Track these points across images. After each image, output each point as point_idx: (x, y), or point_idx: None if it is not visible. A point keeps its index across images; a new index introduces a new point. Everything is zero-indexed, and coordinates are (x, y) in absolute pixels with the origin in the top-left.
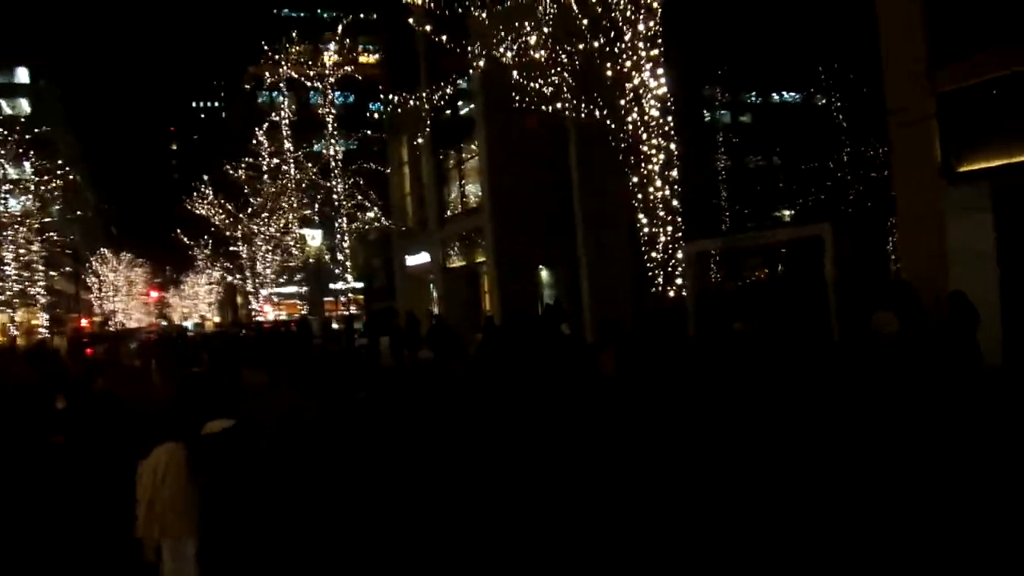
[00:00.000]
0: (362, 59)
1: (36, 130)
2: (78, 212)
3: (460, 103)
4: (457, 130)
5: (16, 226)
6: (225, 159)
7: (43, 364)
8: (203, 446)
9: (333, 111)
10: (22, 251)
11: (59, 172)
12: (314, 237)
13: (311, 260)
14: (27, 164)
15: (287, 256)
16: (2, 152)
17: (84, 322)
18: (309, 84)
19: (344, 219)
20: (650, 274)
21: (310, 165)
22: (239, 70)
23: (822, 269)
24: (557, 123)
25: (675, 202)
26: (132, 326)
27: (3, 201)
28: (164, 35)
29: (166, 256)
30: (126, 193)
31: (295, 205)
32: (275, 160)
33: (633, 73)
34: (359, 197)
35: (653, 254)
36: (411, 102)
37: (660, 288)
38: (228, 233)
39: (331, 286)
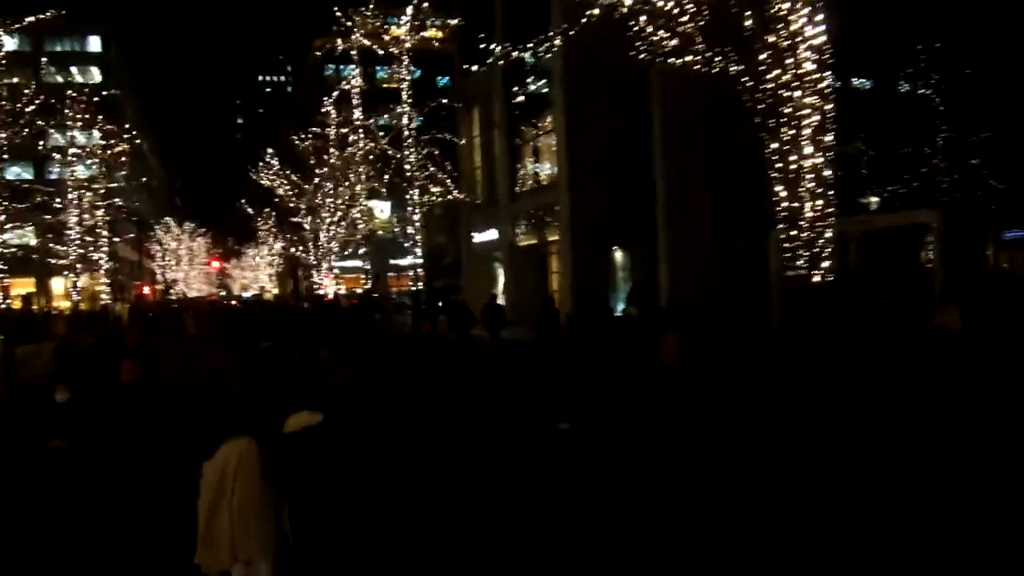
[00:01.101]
0: (430, 33)
1: (104, 92)
2: (143, 179)
3: (537, 75)
4: (533, 102)
5: (82, 191)
6: (292, 130)
7: (103, 330)
8: (284, 445)
9: (408, 77)
10: (86, 216)
11: (125, 136)
12: (382, 210)
13: (379, 233)
14: (96, 131)
15: (352, 229)
16: (76, 116)
17: (146, 290)
18: (381, 52)
19: (416, 191)
20: (788, 255)
21: (382, 135)
22: (305, 44)
23: (915, 257)
24: (638, 94)
25: (827, 172)
26: (193, 295)
27: (71, 167)
28: (231, 9)
29: (228, 227)
30: (191, 165)
31: (363, 177)
32: (344, 130)
33: (786, 18)
34: (432, 168)
35: (793, 232)
36: (486, 71)
37: (803, 272)
38: (292, 204)
39: (391, 261)
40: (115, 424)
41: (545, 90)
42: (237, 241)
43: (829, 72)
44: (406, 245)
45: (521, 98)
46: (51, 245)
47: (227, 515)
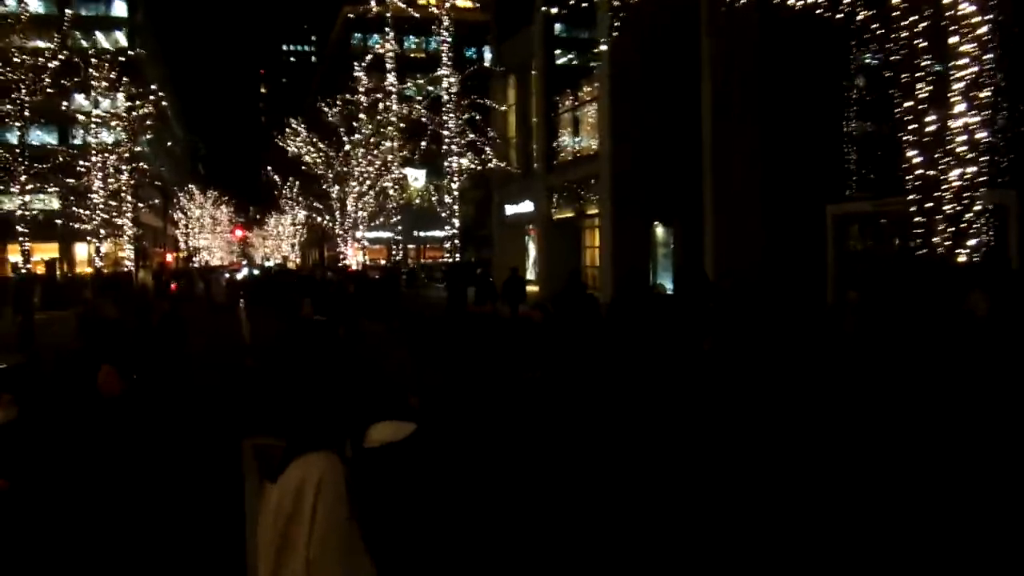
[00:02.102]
0: (460, 2)
1: (131, 52)
2: (168, 143)
3: (579, 41)
4: (574, 69)
5: (105, 154)
6: (319, 98)
7: (126, 299)
8: (364, 463)
9: (448, 38)
10: (111, 180)
11: (151, 97)
12: (417, 178)
13: (415, 202)
14: (120, 95)
15: (383, 198)
16: (101, 78)
17: (169, 257)
18: (417, 15)
19: (454, 159)
20: (921, 231)
21: (420, 98)
22: (331, 14)
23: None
24: (686, 59)
25: (982, 134)
26: (215, 263)
27: (94, 131)
28: None
29: (251, 195)
30: (215, 133)
31: (395, 145)
32: (377, 95)
33: None
34: (471, 136)
35: (930, 204)
36: (524, 37)
37: (944, 250)
38: (319, 171)
39: (419, 232)
40: (90, 455)
41: (588, 57)
42: (259, 210)
43: (990, 15)
44: (443, 215)
45: (565, 60)
46: (74, 209)
47: (303, 557)
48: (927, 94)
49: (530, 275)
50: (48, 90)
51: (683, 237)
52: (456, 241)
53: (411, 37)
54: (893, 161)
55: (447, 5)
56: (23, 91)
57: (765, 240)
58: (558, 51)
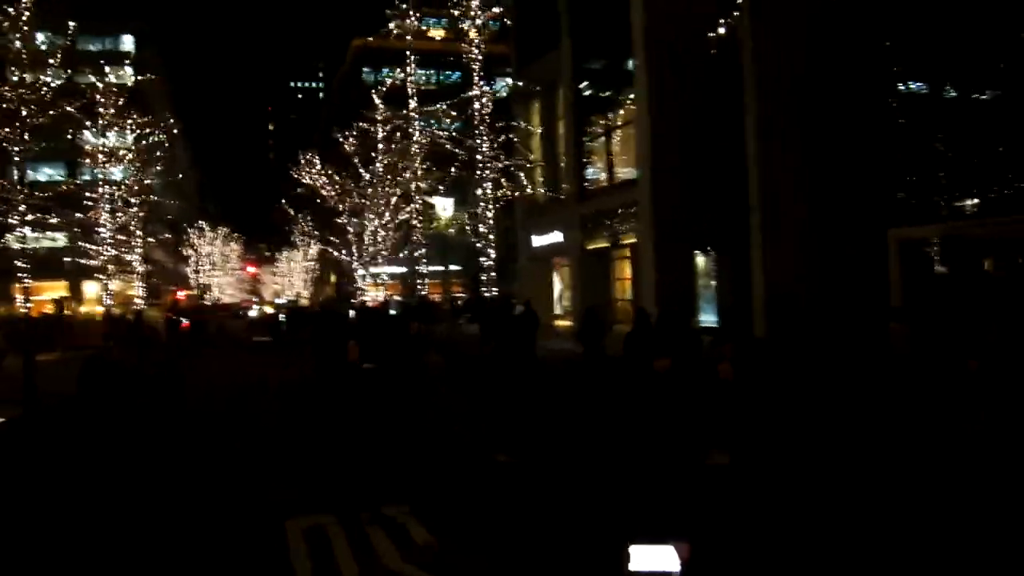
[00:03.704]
0: (472, 34)
1: (139, 76)
2: (178, 176)
3: (612, 59)
4: (605, 91)
5: (113, 186)
6: (331, 131)
7: (139, 343)
8: None
9: (479, 57)
10: (119, 213)
11: (161, 124)
12: (445, 208)
13: (450, 231)
14: (128, 129)
15: (407, 229)
16: (109, 110)
17: (181, 295)
18: (439, 42)
19: (489, 184)
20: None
21: (448, 121)
22: (339, 49)
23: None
24: (726, 80)
25: None
26: (226, 301)
27: (102, 163)
28: (264, 14)
29: (261, 232)
30: (223, 169)
31: (419, 172)
32: (397, 121)
33: None
34: (506, 160)
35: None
36: (551, 59)
37: None
38: (335, 205)
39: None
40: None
41: (619, 79)
42: (269, 247)
43: None
44: (478, 245)
45: (592, 83)
46: (81, 243)
47: None
48: None
49: (556, 309)
50: (52, 117)
51: (729, 267)
52: (493, 274)
53: (419, 71)
54: (964, 182)
55: (469, 26)
56: (24, 113)
57: (820, 268)
58: (586, 72)
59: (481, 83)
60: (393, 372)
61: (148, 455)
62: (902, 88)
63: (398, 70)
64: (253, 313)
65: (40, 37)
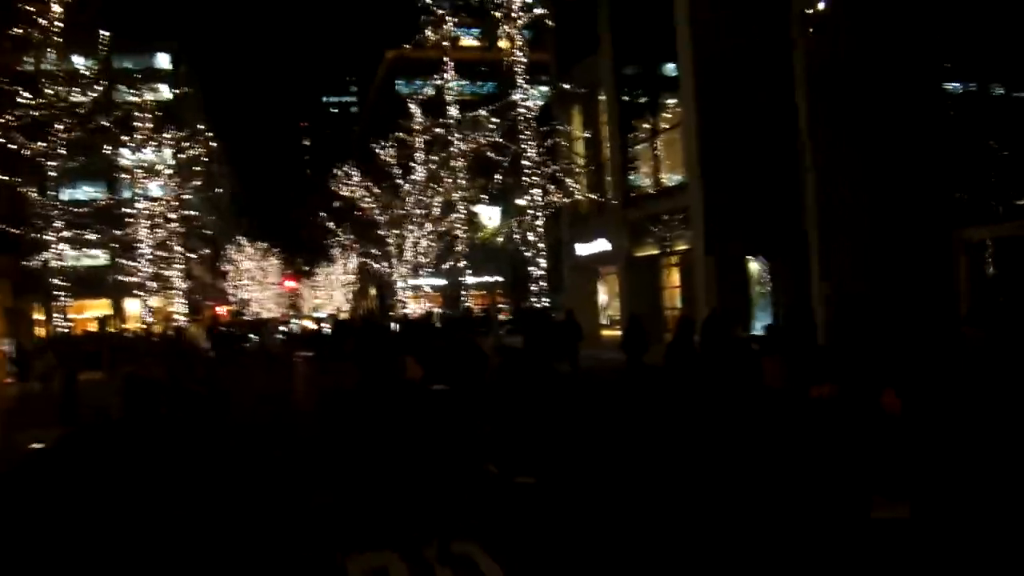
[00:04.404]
0: (515, 36)
1: (174, 87)
2: (216, 190)
3: (656, 59)
4: (648, 94)
5: (151, 202)
6: (367, 142)
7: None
8: None
9: (524, 59)
10: (158, 229)
11: (199, 137)
12: (491, 217)
13: (498, 240)
14: (167, 150)
15: (451, 239)
16: (146, 125)
17: (221, 310)
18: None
19: (538, 191)
20: None
21: (492, 125)
22: (371, 64)
23: None
24: (779, 79)
25: None
26: (265, 316)
27: (140, 178)
28: (296, 29)
29: (299, 247)
30: (260, 185)
31: (462, 181)
32: (438, 129)
33: None
34: (553, 166)
35: None
36: (591, 62)
37: None
38: (375, 216)
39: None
40: None
41: (662, 81)
42: (307, 261)
43: None
44: (528, 255)
45: (636, 88)
46: (120, 260)
47: None
48: None
49: (602, 319)
50: (87, 130)
51: (784, 272)
52: (543, 283)
53: (454, 82)
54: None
55: (510, 28)
56: (58, 127)
57: (882, 272)
58: (628, 75)
59: (525, 85)
60: (469, 395)
61: (193, 480)
62: (957, 86)
63: (436, 76)
64: (294, 327)
65: (75, 58)
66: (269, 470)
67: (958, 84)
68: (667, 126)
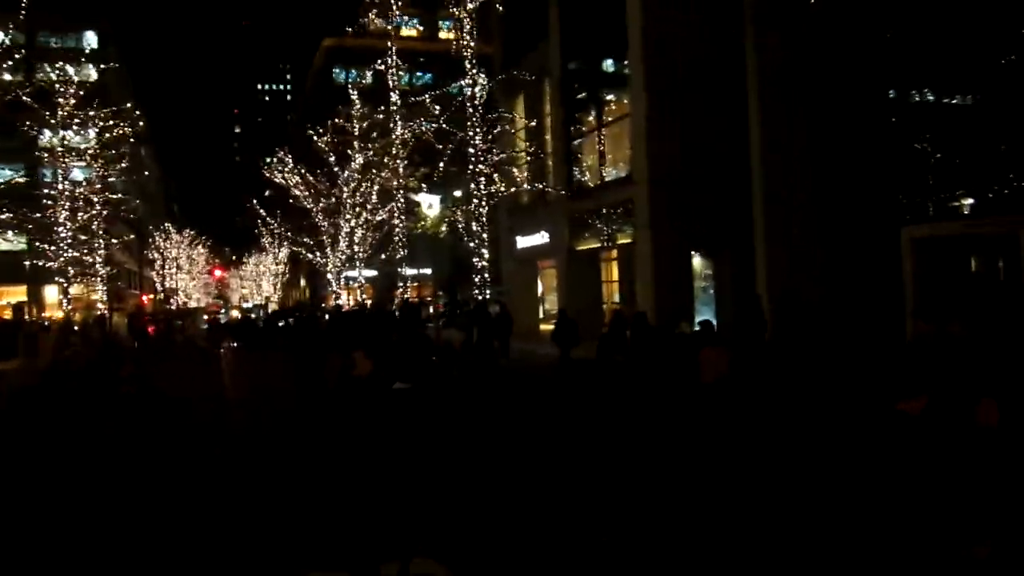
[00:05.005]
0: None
1: (102, 64)
2: (143, 173)
3: (601, 50)
4: (598, 83)
5: (74, 185)
6: (303, 130)
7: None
8: None
9: (472, 42)
10: (80, 213)
11: (125, 117)
12: (431, 205)
13: (441, 232)
14: (92, 131)
15: (388, 230)
16: (67, 103)
17: (145, 299)
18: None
19: (483, 180)
20: None
21: (438, 109)
22: (307, 51)
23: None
24: (729, 75)
25: None
26: (192, 306)
27: (61, 157)
28: (230, 16)
29: (227, 235)
30: (189, 172)
31: (400, 169)
32: (377, 116)
33: None
34: (499, 154)
35: None
36: (536, 53)
37: None
38: (308, 205)
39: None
40: None
41: (611, 71)
42: (236, 250)
43: None
44: (471, 245)
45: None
46: (38, 244)
47: None
48: None
49: (539, 313)
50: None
51: (729, 267)
52: (486, 275)
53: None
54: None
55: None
56: None
57: (828, 268)
58: (575, 66)
59: (474, 71)
60: (435, 394)
61: (134, 487)
62: (903, 89)
63: (379, 62)
64: (221, 318)
65: None
66: (214, 482)
67: (895, 90)
68: (613, 119)
